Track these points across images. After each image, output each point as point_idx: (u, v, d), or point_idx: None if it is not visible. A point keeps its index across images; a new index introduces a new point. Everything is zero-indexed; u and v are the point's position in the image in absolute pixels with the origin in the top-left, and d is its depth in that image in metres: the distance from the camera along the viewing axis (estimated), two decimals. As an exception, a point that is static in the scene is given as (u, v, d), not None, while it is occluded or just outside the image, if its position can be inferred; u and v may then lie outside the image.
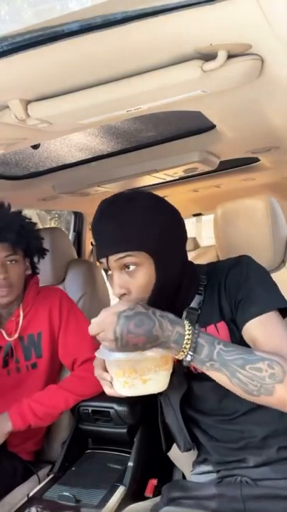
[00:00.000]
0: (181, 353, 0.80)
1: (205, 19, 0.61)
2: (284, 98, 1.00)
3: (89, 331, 0.83)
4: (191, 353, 0.80)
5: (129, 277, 0.91)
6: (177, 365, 0.94)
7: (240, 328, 0.91)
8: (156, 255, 0.91)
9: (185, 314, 0.96)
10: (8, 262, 1.37)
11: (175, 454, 1.23)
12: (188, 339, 0.80)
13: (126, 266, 0.91)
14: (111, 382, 0.90)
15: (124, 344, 0.78)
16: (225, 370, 0.79)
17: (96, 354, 0.89)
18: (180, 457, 1.22)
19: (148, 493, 1.20)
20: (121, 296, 0.92)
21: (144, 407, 1.35)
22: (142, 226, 0.90)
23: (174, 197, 2.76)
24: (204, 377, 0.89)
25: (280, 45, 0.70)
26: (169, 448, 1.12)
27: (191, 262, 1.04)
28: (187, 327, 0.81)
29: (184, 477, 1.25)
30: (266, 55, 0.75)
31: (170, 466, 1.28)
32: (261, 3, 0.56)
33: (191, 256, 1.14)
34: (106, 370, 0.90)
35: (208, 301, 0.97)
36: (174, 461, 1.25)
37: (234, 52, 0.72)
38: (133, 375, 0.84)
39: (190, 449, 1.02)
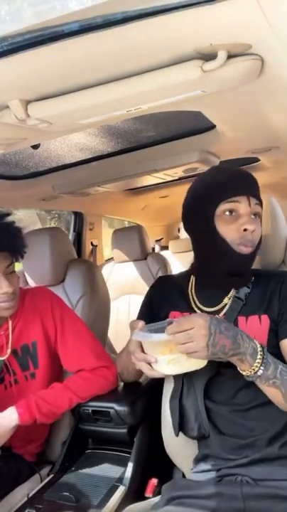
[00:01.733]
0: (253, 368, 0.87)
1: (205, 19, 0.61)
2: (284, 98, 1.00)
3: (176, 328, 0.85)
4: (262, 369, 0.86)
5: (254, 223, 1.00)
6: None
7: (280, 338, 0.99)
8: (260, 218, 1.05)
9: (230, 302, 1.03)
10: (8, 273, 1.25)
11: (175, 453, 1.23)
12: (261, 355, 0.87)
13: (256, 213, 1.02)
14: (149, 364, 0.94)
15: (215, 343, 0.83)
16: (282, 388, 0.88)
17: (136, 338, 0.94)
18: (180, 456, 1.22)
19: (148, 493, 1.19)
20: (252, 233, 0.99)
21: (144, 407, 1.35)
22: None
23: (174, 197, 2.76)
24: (227, 365, 0.95)
25: (280, 45, 0.70)
26: (178, 433, 1.09)
27: None
28: (258, 344, 0.88)
29: (184, 477, 1.25)
30: (266, 55, 0.75)
31: (170, 465, 1.28)
32: (261, 3, 0.56)
33: (192, 255, 1.15)
34: (144, 353, 0.94)
35: (255, 296, 1.03)
36: (174, 461, 1.25)
37: (234, 52, 0.72)
38: (178, 353, 0.88)
39: (203, 434, 1.03)
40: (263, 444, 0.96)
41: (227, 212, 0.99)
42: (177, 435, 1.09)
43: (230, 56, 0.72)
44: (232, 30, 0.66)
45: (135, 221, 3.27)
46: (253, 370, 0.86)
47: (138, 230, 2.67)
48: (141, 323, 0.96)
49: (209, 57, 0.72)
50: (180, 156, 1.64)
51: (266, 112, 1.14)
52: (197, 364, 0.91)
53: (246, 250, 0.99)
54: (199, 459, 1.08)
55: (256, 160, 2.04)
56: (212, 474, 1.01)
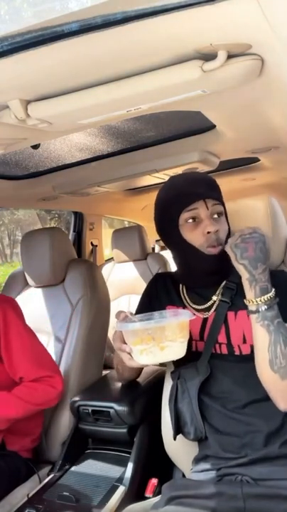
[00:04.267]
0: (257, 300, 0.94)
1: (205, 19, 0.61)
2: (284, 98, 1.00)
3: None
4: (265, 307, 0.94)
5: (218, 222, 1.06)
6: (204, 349, 1.03)
7: None
8: (226, 216, 1.10)
9: (218, 299, 1.08)
10: None
11: (175, 453, 1.23)
12: (270, 296, 0.94)
13: (217, 213, 1.06)
14: (129, 354, 0.96)
15: (242, 240, 0.96)
16: (274, 335, 0.93)
17: (116, 328, 0.96)
18: (180, 456, 1.22)
19: (148, 493, 1.20)
20: (214, 233, 1.05)
21: (144, 407, 1.35)
22: (220, 189, 1.11)
23: (174, 197, 2.75)
24: (226, 358, 1.00)
25: (280, 45, 0.70)
26: (175, 437, 1.11)
27: None
28: (273, 291, 0.95)
29: (184, 476, 1.25)
30: (266, 55, 0.75)
31: (170, 465, 1.28)
32: (261, 3, 0.56)
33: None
34: (125, 343, 0.96)
35: (241, 293, 1.04)
36: (174, 461, 1.26)
37: (234, 52, 0.72)
38: (151, 343, 0.90)
39: (199, 437, 1.04)
40: (262, 442, 0.96)
41: (190, 220, 1.05)
42: (174, 439, 1.10)
43: (230, 56, 0.72)
44: (232, 30, 0.66)
45: (135, 221, 3.27)
46: (257, 303, 0.94)
47: (138, 230, 2.67)
48: (124, 313, 0.99)
49: (209, 57, 0.72)
50: (180, 156, 1.64)
51: (266, 112, 1.14)
52: (171, 355, 0.93)
53: (214, 251, 1.04)
54: (199, 459, 1.08)
55: (256, 160, 2.04)
56: (212, 474, 1.01)
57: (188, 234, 1.06)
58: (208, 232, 1.03)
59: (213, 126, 1.38)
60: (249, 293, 0.96)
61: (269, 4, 0.57)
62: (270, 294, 0.94)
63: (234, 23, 0.63)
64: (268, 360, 0.92)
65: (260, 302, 0.94)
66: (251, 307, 0.95)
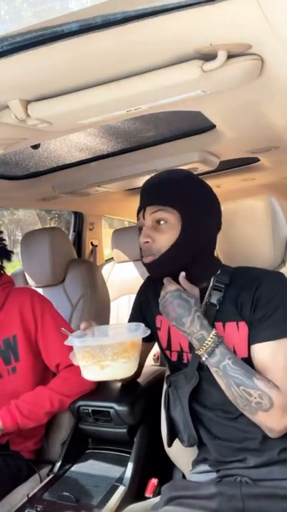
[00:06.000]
0: (199, 350, 0.94)
1: (205, 19, 0.61)
2: (284, 98, 1.00)
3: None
4: (206, 356, 0.93)
5: (157, 231, 1.02)
6: (191, 359, 1.02)
7: (251, 343, 0.97)
8: (185, 219, 1.00)
9: (203, 308, 1.01)
10: None
11: (175, 453, 1.23)
12: (207, 344, 0.93)
13: (156, 221, 1.02)
14: None
15: (162, 307, 0.98)
16: (225, 379, 0.92)
17: (65, 342, 0.95)
18: (180, 457, 1.22)
19: (148, 493, 1.20)
20: (144, 244, 1.03)
21: (144, 407, 1.35)
22: (178, 189, 1.02)
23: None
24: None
25: (280, 45, 0.70)
26: (171, 443, 1.11)
27: (217, 258, 1.12)
28: (211, 334, 0.93)
29: (184, 477, 1.25)
30: (266, 55, 0.75)
31: (170, 466, 1.28)
32: (261, 3, 0.56)
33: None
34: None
35: (228, 300, 1.01)
36: (174, 461, 1.25)
37: (234, 52, 0.72)
38: (91, 360, 0.89)
39: (193, 444, 1.04)
40: (259, 447, 0.96)
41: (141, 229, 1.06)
42: (169, 446, 1.10)
43: (230, 56, 0.72)
44: (232, 30, 0.66)
45: (135, 221, 3.27)
46: (200, 352, 0.93)
47: (138, 229, 2.66)
48: (83, 324, 0.99)
49: (209, 57, 0.72)
50: (180, 156, 1.65)
51: (266, 112, 1.14)
52: (115, 375, 0.91)
53: (146, 260, 1.04)
54: (198, 461, 1.08)
55: (256, 160, 2.04)
56: (212, 475, 1.02)
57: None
58: (144, 242, 1.03)
59: (213, 126, 1.38)
60: (194, 345, 0.95)
61: (269, 4, 0.57)
62: (207, 341, 0.92)
63: (234, 23, 0.63)
64: (233, 400, 0.92)
65: (202, 351, 0.93)
66: (202, 359, 0.94)
